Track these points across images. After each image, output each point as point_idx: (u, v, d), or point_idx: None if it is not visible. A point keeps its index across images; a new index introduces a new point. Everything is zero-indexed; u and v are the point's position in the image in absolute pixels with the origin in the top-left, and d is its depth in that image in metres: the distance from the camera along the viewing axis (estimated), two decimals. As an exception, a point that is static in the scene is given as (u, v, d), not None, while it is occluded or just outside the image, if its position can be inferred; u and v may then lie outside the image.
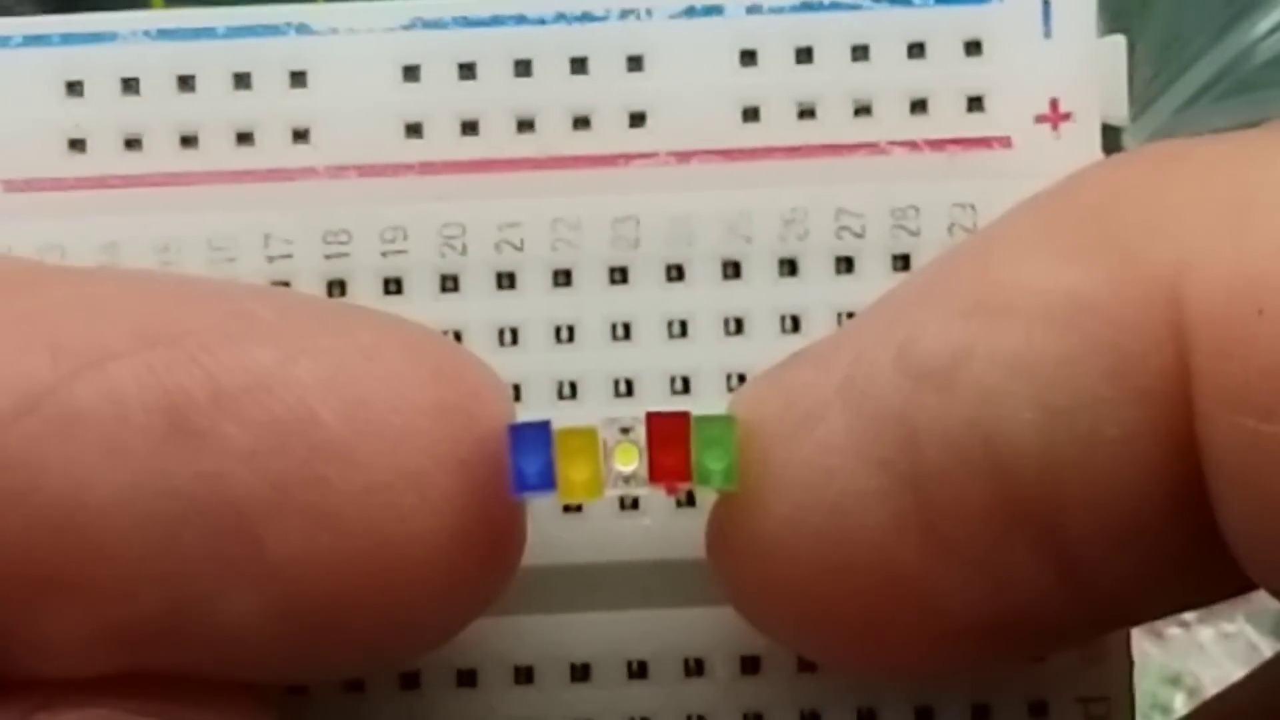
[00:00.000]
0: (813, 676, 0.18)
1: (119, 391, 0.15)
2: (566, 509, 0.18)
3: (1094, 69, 0.19)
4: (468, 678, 0.18)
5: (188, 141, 0.19)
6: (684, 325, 0.19)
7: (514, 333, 0.18)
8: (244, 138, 0.19)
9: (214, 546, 0.15)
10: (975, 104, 0.19)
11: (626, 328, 0.19)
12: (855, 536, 0.16)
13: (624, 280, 0.19)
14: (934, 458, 0.16)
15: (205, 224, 0.18)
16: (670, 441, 0.16)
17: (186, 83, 0.19)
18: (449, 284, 0.18)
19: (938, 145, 0.19)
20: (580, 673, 0.18)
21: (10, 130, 0.18)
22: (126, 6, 0.19)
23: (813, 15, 0.19)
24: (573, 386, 0.18)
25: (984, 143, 0.19)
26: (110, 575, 0.15)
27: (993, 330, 0.16)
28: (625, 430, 0.16)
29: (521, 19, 0.19)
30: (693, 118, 0.19)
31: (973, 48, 0.19)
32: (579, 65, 0.19)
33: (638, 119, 0.19)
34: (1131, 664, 0.18)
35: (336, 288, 0.18)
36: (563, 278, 0.19)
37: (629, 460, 0.16)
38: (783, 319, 0.19)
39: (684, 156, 0.19)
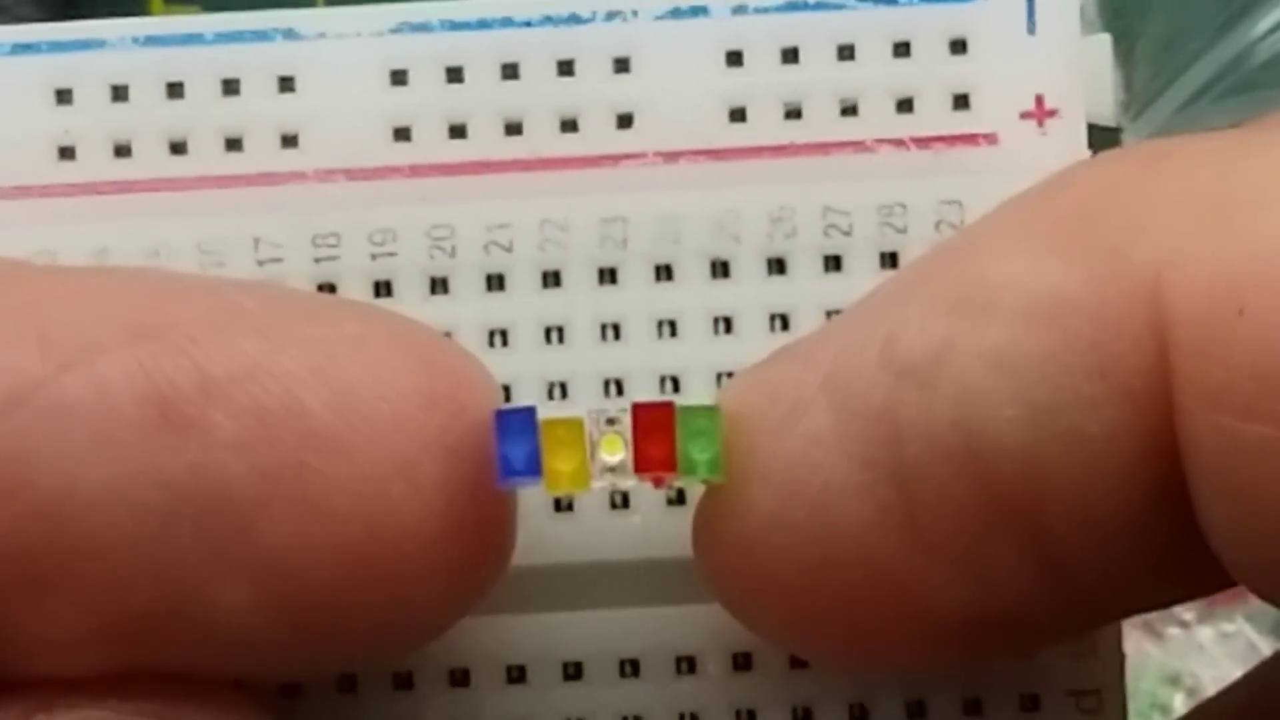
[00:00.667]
0: (805, 673, 0.18)
1: (108, 384, 0.15)
2: (558, 507, 0.18)
3: (1079, 65, 0.19)
4: (460, 677, 0.18)
5: (177, 147, 0.19)
6: (673, 325, 0.19)
7: (504, 334, 0.19)
8: (233, 143, 0.19)
9: (205, 537, 0.15)
10: (961, 102, 0.19)
11: (616, 328, 0.19)
12: (839, 532, 0.16)
13: (613, 280, 0.19)
14: (916, 454, 0.16)
15: (195, 229, 0.18)
16: (656, 431, 0.16)
17: (175, 89, 0.19)
18: (438, 286, 0.19)
19: (924, 143, 0.19)
20: (572, 671, 0.18)
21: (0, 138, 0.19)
22: (127, 12, 0.19)
23: (798, 15, 0.19)
24: (563, 387, 0.19)
25: (970, 140, 0.19)
26: (102, 568, 0.15)
27: (975, 327, 0.16)
28: (611, 421, 0.16)
29: (508, 22, 0.19)
30: (680, 118, 0.19)
31: (958, 46, 0.19)
32: (566, 67, 0.19)
33: (625, 120, 0.19)
34: (1123, 657, 0.19)
35: (326, 291, 0.18)
36: (552, 278, 0.19)
37: (615, 451, 0.16)
38: (771, 318, 0.19)
39: (671, 157, 0.19)
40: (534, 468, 0.16)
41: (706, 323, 0.19)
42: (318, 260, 0.18)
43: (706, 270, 0.19)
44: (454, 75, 0.19)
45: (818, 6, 0.19)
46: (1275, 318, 0.15)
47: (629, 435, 0.16)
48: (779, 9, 0.19)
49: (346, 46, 0.19)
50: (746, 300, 0.19)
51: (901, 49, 0.19)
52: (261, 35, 0.19)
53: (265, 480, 0.15)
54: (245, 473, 0.15)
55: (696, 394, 0.18)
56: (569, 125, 0.19)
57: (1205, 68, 0.50)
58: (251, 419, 0.15)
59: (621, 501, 0.18)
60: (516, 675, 0.18)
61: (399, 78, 0.19)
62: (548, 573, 0.18)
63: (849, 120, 0.19)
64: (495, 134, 0.19)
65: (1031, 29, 0.19)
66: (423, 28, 0.19)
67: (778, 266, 0.19)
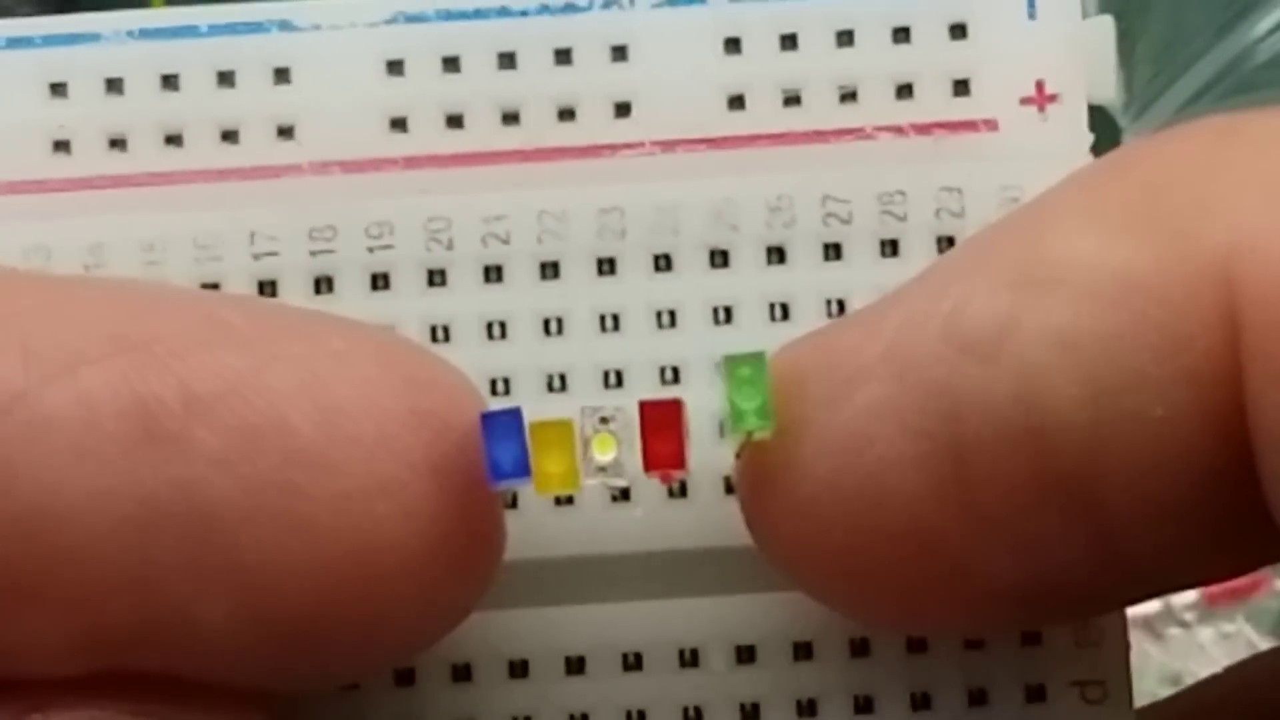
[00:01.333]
0: (808, 665, 0.18)
1: (91, 397, 0.15)
2: (558, 501, 0.18)
3: (1079, 50, 0.19)
4: (463, 672, 0.18)
5: (172, 140, 0.19)
6: (672, 315, 0.18)
7: (502, 326, 0.18)
8: (228, 135, 0.19)
9: (187, 553, 0.15)
10: (961, 87, 0.19)
11: (615, 319, 0.18)
12: (892, 502, 0.16)
13: (611, 271, 0.18)
14: (975, 428, 0.16)
15: (191, 223, 0.18)
16: (664, 429, 0.16)
17: (170, 82, 0.19)
18: (436, 278, 0.18)
19: (924, 129, 0.19)
20: (575, 665, 0.18)
21: (-6, 132, 0.19)
22: (127, 6, 0.19)
23: (796, 2, 0.19)
24: (562, 378, 0.18)
25: (970, 126, 0.19)
26: (82, 582, 0.15)
27: (1040, 304, 0.16)
28: (605, 420, 0.16)
29: (504, 11, 0.19)
30: (678, 107, 0.19)
31: (957, 31, 0.19)
32: (563, 56, 0.19)
33: (622, 109, 0.19)
34: (1128, 647, 0.18)
35: (323, 284, 0.18)
36: (550, 270, 0.18)
37: (607, 450, 0.16)
38: (771, 307, 0.18)
39: (669, 146, 0.19)
40: (523, 469, 0.16)
41: (706, 313, 0.18)
42: (314, 253, 0.18)
43: (706, 260, 0.18)
44: (450, 65, 0.19)
45: (815, -8, 0.19)
46: None
47: (625, 433, 0.16)
48: (776, -4, 0.19)
49: (342, 37, 0.19)
50: (746, 290, 0.18)
51: (901, 34, 0.19)
52: (256, 27, 0.19)
53: (248, 497, 0.15)
54: (228, 489, 0.15)
55: (697, 384, 0.18)
56: (566, 115, 0.19)
57: (1205, 68, 0.50)
58: (235, 435, 0.15)
59: (622, 495, 0.18)
60: (519, 670, 0.18)
61: (395, 68, 0.19)
62: (550, 566, 0.18)
63: (848, 107, 0.19)
64: (492, 124, 0.19)
65: (1032, 14, 0.19)
66: (418, 18, 0.19)
67: (777, 255, 0.19)
